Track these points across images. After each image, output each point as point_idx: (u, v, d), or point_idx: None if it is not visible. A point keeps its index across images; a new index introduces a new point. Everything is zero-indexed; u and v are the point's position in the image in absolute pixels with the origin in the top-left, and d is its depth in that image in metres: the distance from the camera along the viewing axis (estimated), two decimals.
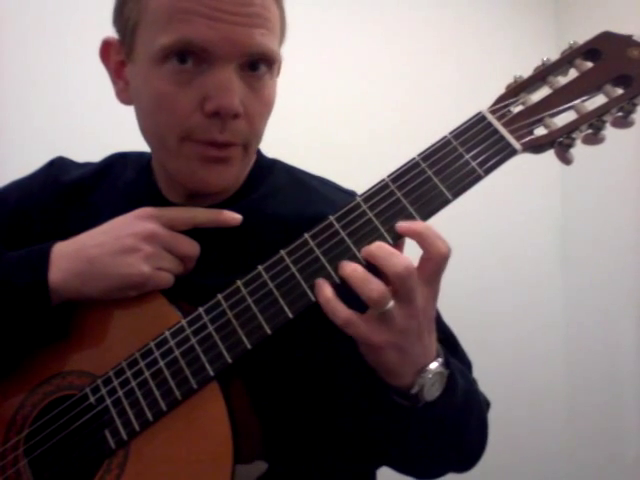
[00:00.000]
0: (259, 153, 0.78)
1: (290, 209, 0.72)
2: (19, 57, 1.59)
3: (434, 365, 0.58)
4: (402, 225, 0.57)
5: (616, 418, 1.99)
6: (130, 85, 0.68)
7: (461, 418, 0.65)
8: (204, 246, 0.67)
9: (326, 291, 0.56)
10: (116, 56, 0.68)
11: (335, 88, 1.87)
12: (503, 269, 2.07)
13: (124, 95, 0.69)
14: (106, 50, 0.69)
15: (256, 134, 0.67)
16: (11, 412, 0.65)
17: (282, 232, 0.62)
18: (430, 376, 0.58)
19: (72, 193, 0.77)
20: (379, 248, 0.56)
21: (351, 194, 0.76)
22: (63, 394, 0.64)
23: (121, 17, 0.66)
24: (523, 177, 1.78)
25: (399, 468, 0.69)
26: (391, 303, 0.54)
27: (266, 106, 0.67)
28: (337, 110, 1.87)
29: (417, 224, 0.56)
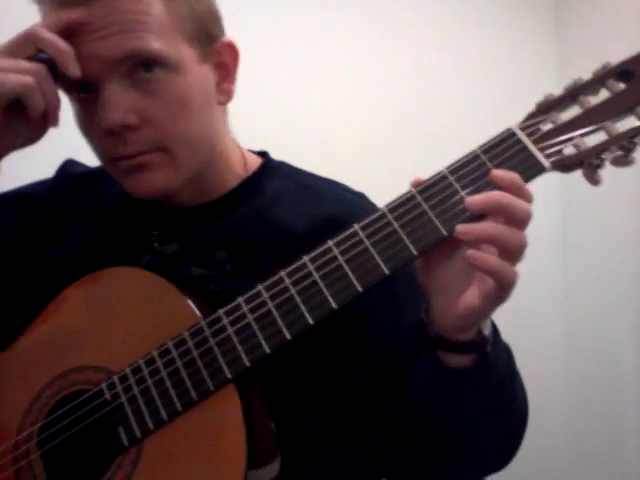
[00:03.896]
0: (266, 156, 0.79)
1: (297, 213, 0.71)
2: None
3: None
4: (501, 175, 0.56)
5: (616, 417, 1.98)
6: None
7: (510, 365, 0.64)
8: (213, 251, 0.69)
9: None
10: None
11: (335, 88, 1.86)
12: None
13: None
14: None
15: (172, 137, 0.65)
16: (28, 402, 0.65)
17: (289, 237, 0.62)
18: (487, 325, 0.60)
19: (81, 183, 0.80)
20: (504, 197, 0.54)
21: (360, 195, 0.77)
22: (78, 388, 0.64)
23: None
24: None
25: (432, 470, 0.67)
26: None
27: (174, 106, 0.65)
28: (337, 110, 1.85)
29: (513, 175, 0.56)
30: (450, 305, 0.57)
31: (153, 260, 0.70)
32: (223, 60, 0.70)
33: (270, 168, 0.78)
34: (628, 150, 0.60)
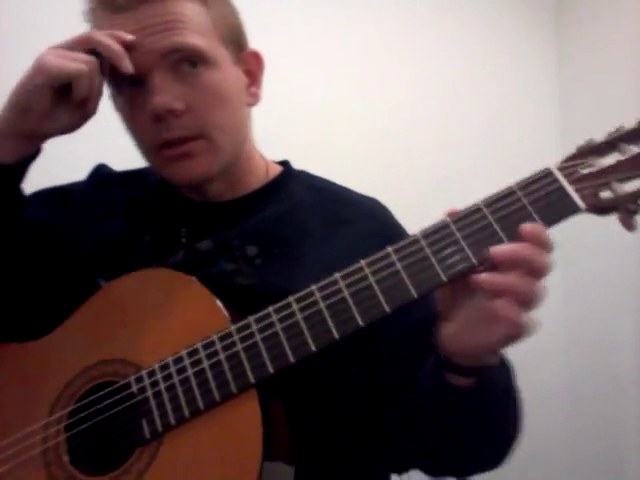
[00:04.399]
0: (287, 164, 0.85)
1: (317, 216, 0.77)
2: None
3: None
4: (527, 229, 0.58)
5: (617, 416, 1.95)
6: None
7: (509, 386, 0.67)
8: (244, 246, 0.74)
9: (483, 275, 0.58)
10: None
11: (332, 92, 1.85)
12: None
13: None
14: None
15: (211, 125, 0.72)
16: (61, 388, 0.68)
17: (311, 237, 0.65)
18: None
19: (111, 181, 0.86)
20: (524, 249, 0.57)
21: (372, 199, 0.83)
22: (107, 380, 0.67)
23: None
24: (522, 175, 1.76)
25: (433, 465, 0.72)
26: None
27: (213, 94, 0.72)
28: (336, 110, 1.85)
29: (538, 228, 0.58)
30: (463, 336, 0.60)
31: (187, 256, 0.74)
32: (250, 68, 0.79)
33: (291, 175, 0.84)
34: None
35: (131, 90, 0.72)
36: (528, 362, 2.31)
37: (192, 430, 0.62)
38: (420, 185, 1.81)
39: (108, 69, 0.71)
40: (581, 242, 2.07)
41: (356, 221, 0.77)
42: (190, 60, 0.70)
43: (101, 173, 0.88)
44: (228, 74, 0.74)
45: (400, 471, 0.80)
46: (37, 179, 0.78)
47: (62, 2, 1.57)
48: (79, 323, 0.72)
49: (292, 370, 0.62)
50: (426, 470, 0.74)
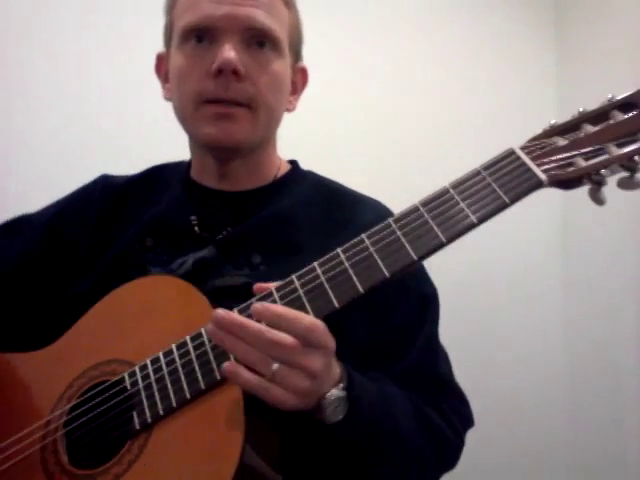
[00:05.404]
0: (295, 164, 0.89)
1: (324, 216, 0.80)
2: (29, 59, 1.65)
3: (333, 391, 0.61)
4: (257, 309, 0.59)
5: (617, 415, 1.89)
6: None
7: (370, 443, 0.65)
8: (249, 255, 0.76)
9: (231, 368, 0.59)
10: (165, 66, 0.84)
11: (334, 96, 1.87)
12: (502, 264, 2.01)
13: (167, 93, 0.84)
14: (158, 63, 0.86)
15: (262, 100, 0.77)
16: (61, 390, 0.71)
17: (315, 238, 0.67)
18: (330, 400, 0.61)
19: (120, 196, 0.88)
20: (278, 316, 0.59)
21: (375, 201, 0.85)
22: (106, 378, 0.70)
23: (165, 28, 0.83)
24: None
25: None
26: (275, 366, 0.58)
27: (272, 77, 0.78)
28: (337, 111, 1.88)
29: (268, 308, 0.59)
30: None
31: (195, 265, 0.78)
32: (296, 80, 0.86)
33: (299, 174, 0.88)
34: (631, 170, 0.62)
35: (195, 45, 0.77)
36: (528, 362, 2.27)
37: (179, 420, 0.64)
38: (419, 185, 1.81)
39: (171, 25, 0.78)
40: (581, 242, 2.08)
41: (360, 221, 0.78)
42: (262, 40, 0.76)
43: (112, 186, 0.89)
44: (285, 70, 0.80)
45: None
46: None
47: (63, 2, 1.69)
48: (81, 330, 0.76)
49: None
50: None
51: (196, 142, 0.83)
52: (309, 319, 0.59)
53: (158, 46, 0.86)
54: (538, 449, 1.98)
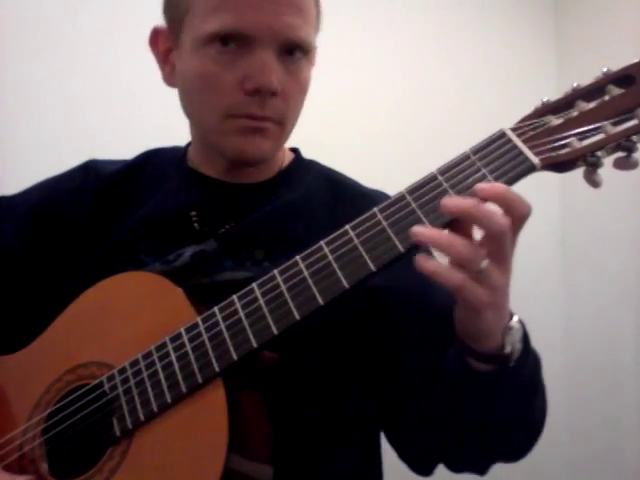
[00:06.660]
0: (297, 152, 0.85)
1: (327, 209, 0.77)
2: (27, 56, 1.63)
3: (516, 320, 0.59)
4: (484, 188, 0.54)
5: (616, 415, 1.91)
6: (176, 69, 0.75)
7: (535, 378, 0.65)
8: (252, 250, 0.74)
9: (430, 263, 0.54)
10: (164, 43, 0.76)
11: (332, 90, 1.80)
12: None
13: (171, 79, 0.76)
14: (155, 38, 0.77)
15: (292, 114, 0.74)
16: (38, 395, 0.69)
17: (319, 232, 0.63)
18: (516, 332, 0.59)
19: (113, 185, 0.82)
20: (475, 207, 0.53)
21: (380, 192, 0.81)
22: (84, 382, 0.67)
23: (171, 6, 0.74)
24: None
25: (452, 455, 0.69)
26: (485, 262, 0.54)
27: (301, 88, 0.74)
28: (334, 112, 1.85)
29: (497, 186, 0.55)
30: (459, 318, 0.60)
31: (194, 258, 0.74)
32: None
33: (303, 164, 0.84)
34: (628, 150, 0.58)
35: (220, 49, 0.69)
36: None
37: (161, 425, 0.61)
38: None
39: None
40: (581, 242, 2.07)
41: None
42: (292, 50, 0.71)
43: (103, 174, 0.83)
44: (311, 72, 0.76)
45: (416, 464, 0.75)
46: None
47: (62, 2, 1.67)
48: (56, 331, 0.73)
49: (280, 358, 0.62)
50: (446, 461, 0.71)
51: (219, 153, 0.76)
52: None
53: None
54: (537, 449, 1.96)
